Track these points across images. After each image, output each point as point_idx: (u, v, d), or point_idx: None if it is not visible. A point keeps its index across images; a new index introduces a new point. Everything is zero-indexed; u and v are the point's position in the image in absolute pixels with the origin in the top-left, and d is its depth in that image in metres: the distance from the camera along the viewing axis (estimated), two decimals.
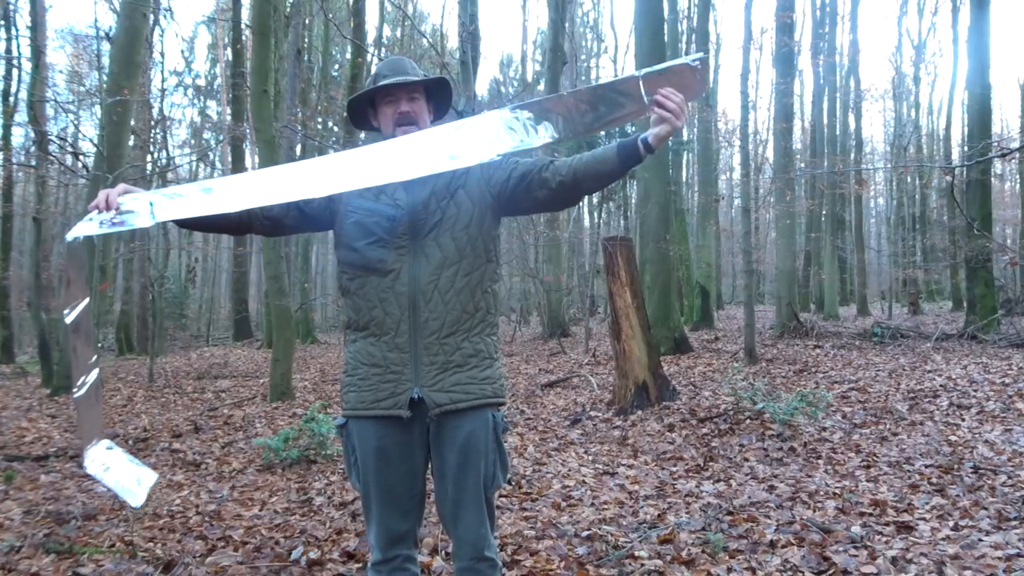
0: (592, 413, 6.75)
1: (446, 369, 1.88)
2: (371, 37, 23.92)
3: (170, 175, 20.48)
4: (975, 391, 6.56)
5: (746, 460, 4.78)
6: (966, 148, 17.36)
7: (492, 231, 1.98)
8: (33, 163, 14.91)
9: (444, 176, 1.93)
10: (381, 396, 1.89)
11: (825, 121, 21.62)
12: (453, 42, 23.17)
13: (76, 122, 18.02)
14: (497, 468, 1.96)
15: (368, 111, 2.09)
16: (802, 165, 20.33)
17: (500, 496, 4.10)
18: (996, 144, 11.83)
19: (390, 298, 1.87)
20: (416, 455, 1.94)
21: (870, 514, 3.53)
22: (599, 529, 3.46)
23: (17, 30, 15.82)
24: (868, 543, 3.11)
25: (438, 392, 1.87)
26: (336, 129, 21.86)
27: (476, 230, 1.92)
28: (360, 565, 3.14)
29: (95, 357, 1.88)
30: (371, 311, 1.90)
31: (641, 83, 1.76)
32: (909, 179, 26.68)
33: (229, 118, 20.49)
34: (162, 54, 25.32)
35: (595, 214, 20.18)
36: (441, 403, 1.87)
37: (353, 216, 1.94)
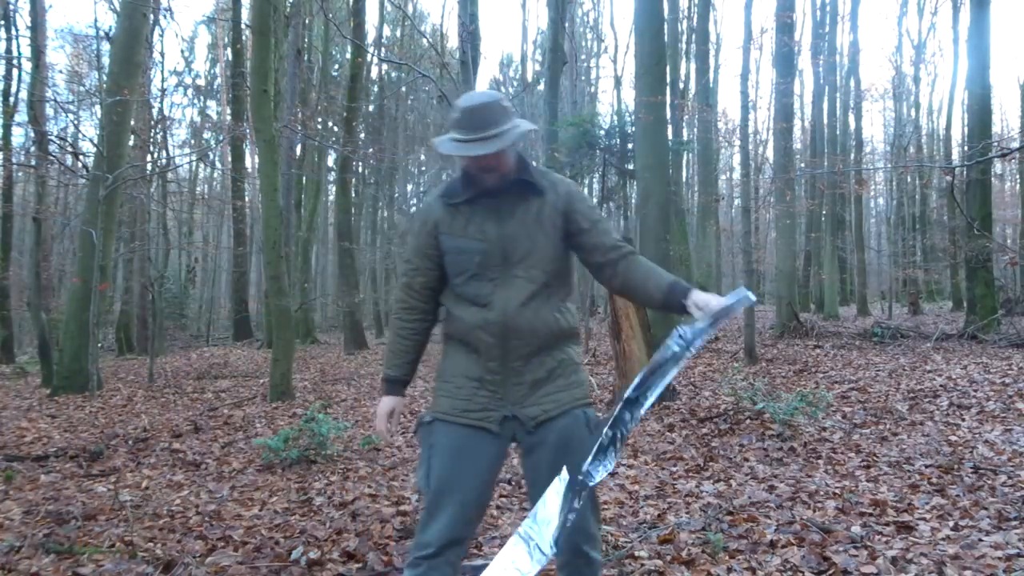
0: None
1: (534, 386, 1.97)
2: (371, 37, 23.91)
3: (170, 175, 20.46)
4: (975, 391, 6.56)
5: (746, 460, 4.78)
6: (966, 148, 17.35)
7: (570, 258, 2.08)
8: (33, 163, 14.92)
9: (532, 206, 1.98)
10: (473, 408, 1.96)
11: (825, 121, 21.60)
12: (453, 42, 23.15)
13: (76, 122, 17.98)
14: None
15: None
16: (802, 165, 20.31)
17: (500, 496, 4.10)
18: (996, 144, 11.84)
19: (483, 326, 1.94)
20: (494, 467, 1.99)
21: (870, 514, 3.53)
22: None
23: (17, 30, 15.85)
24: (868, 543, 3.11)
25: (530, 407, 1.96)
26: (336, 129, 21.85)
27: (561, 259, 2.02)
28: (360, 565, 3.13)
29: None
30: (466, 333, 1.98)
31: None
32: (909, 179, 26.64)
33: (229, 118, 20.49)
34: (162, 54, 25.26)
35: None
36: (535, 416, 1.95)
37: (448, 256, 2.01)
